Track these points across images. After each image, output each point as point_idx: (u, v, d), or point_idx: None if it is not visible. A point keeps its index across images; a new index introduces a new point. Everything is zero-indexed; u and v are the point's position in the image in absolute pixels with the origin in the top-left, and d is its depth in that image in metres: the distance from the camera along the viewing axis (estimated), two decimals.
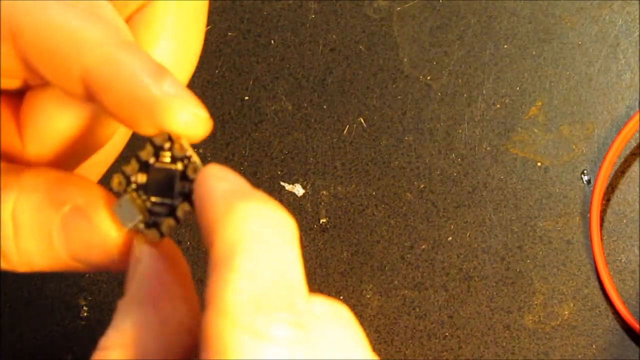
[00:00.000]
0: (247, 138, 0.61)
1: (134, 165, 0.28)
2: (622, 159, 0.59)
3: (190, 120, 0.27)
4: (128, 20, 0.30)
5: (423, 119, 0.61)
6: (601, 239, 0.58)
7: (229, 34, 0.63)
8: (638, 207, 0.58)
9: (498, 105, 0.61)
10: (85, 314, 0.60)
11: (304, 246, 0.60)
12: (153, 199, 0.28)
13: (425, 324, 0.58)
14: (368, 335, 0.62)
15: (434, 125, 0.61)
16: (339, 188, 0.61)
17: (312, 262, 0.60)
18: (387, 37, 0.62)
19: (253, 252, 0.25)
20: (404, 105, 0.61)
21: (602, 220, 0.58)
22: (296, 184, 0.61)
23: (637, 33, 0.61)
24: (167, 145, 0.27)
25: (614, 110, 0.60)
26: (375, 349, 0.58)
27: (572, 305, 0.58)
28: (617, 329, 0.57)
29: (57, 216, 0.27)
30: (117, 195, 0.27)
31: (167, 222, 0.28)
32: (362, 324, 0.60)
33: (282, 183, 0.61)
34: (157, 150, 0.28)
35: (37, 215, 0.27)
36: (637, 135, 0.59)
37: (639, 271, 0.58)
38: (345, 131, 0.61)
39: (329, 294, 0.59)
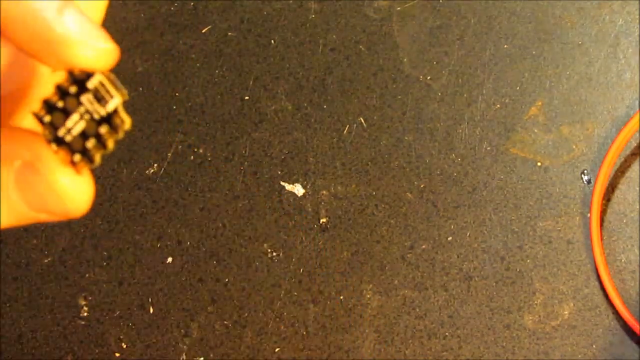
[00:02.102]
0: (247, 138, 0.61)
1: (42, 105, 0.28)
2: (622, 159, 0.59)
3: (95, 52, 0.27)
4: None
5: (423, 119, 0.61)
6: (601, 239, 0.58)
7: (229, 34, 0.63)
8: (638, 207, 0.58)
9: (498, 105, 0.61)
10: (85, 314, 0.60)
11: (304, 246, 0.60)
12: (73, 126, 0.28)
13: (425, 324, 0.58)
14: (368, 335, 0.63)
15: (434, 125, 0.61)
16: (339, 188, 0.61)
17: (312, 262, 0.60)
18: (387, 37, 0.62)
19: None
20: (404, 105, 0.61)
21: (602, 220, 0.58)
22: (296, 184, 0.61)
23: (637, 33, 0.61)
24: (70, 84, 0.28)
25: (614, 110, 0.60)
26: (375, 349, 0.58)
27: (572, 305, 0.58)
28: (617, 329, 0.57)
29: (10, 173, 0.27)
30: (39, 121, 0.28)
31: (96, 147, 0.28)
32: (362, 324, 0.60)
33: (282, 183, 0.61)
34: (64, 94, 0.28)
35: None
36: (637, 135, 0.59)
37: (639, 271, 0.58)
38: (345, 131, 0.61)
39: (329, 294, 0.59)
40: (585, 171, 0.59)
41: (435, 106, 0.61)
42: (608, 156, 0.58)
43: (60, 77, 0.28)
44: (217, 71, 0.62)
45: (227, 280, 0.60)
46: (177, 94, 0.63)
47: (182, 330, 0.60)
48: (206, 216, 0.61)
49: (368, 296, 0.59)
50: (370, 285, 0.59)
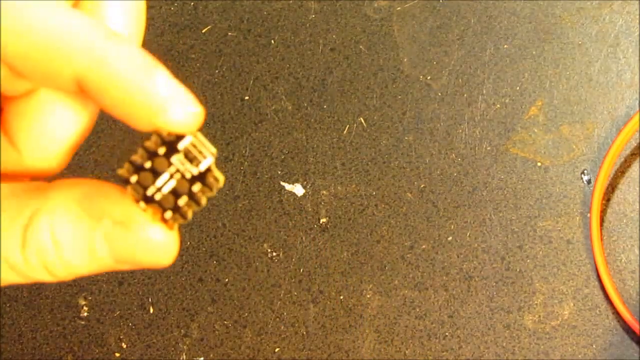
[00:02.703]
0: (247, 138, 0.61)
1: (127, 167, 0.29)
2: (622, 159, 0.59)
3: (185, 116, 0.27)
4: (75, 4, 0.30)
5: (423, 119, 0.61)
6: (601, 239, 0.58)
7: (229, 34, 0.63)
8: (638, 207, 0.58)
9: (498, 105, 0.61)
10: (85, 314, 0.60)
11: (304, 246, 0.60)
12: (163, 185, 0.29)
13: (425, 324, 0.58)
14: (368, 335, 0.63)
15: (434, 125, 0.61)
16: (339, 188, 0.61)
17: (312, 262, 0.60)
18: (387, 37, 0.62)
19: None
20: (404, 105, 0.61)
21: (602, 220, 0.58)
22: (296, 184, 0.61)
23: (637, 33, 0.61)
24: (159, 146, 0.28)
25: (614, 110, 0.60)
26: (375, 349, 0.58)
27: (572, 305, 0.58)
28: (617, 329, 0.57)
29: (98, 230, 0.28)
30: (123, 182, 0.29)
31: (188, 204, 0.29)
32: (362, 324, 0.60)
33: (282, 183, 0.61)
34: (152, 155, 0.28)
35: (77, 232, 0.28)
36: (637, 135, 0.59)
37: (639, 271, 0.58)
38: (345, 131, 0.61)
39: (329, 294, 0.59)
40: (585, 171, 0.59)
41: (435, 106, 0.61)
42: (608, 156, 0.58)
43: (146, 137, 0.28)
44: (217, 71, 0.62)
45: (227, 280, 0.60)
46: None
47: (182, 330, 0.60)
48: (206, 216, 0.61)
49: (368, 296, 0.59)
50: (370, 285, 0.59)
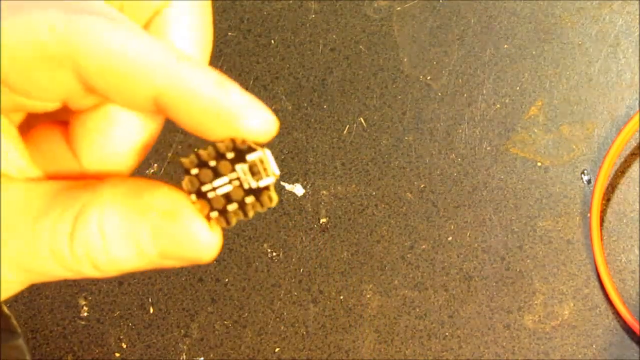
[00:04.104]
0: None
1: (192, 159, 0.30)
2: (622, 159, 0.59)
3: (261, 125, 0.29)
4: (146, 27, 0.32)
5: (423, 119, 0.61)
6: (601, 239, 0.58)
7: (229, 34, 0.63)
8: (638, 207, 0.58)
9: (498, 105, 0.61)
10: (85, 313, 0.60)
11: (304, 246, 0.60)
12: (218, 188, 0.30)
13: (425, 324, 0.58)
14: (368, 335, 0.63)
15: (434, 125, 0.61)
16: (339, 188, 0.61)
17: (312, 262, 0.60)
18: (387, 37, 0.62)
19: None
20: (404, 105, 0.61)
21: (602, 220, 0.58)
22: (296, 184, 0.61)
23: (637, 33, 0.61)
24: (229, 150, 0.29)
25: (614, 110, 0.60)
26: (375, 349, 0.58)
27: (572, 305, 0.58)
28: (617, 329, 0.57)
29: (145, 223, 0.29)
30: (184, 171, 0.30)
31: (235, 212, 0.30)
32: (362, 324, 0.60)
33: (282, 183, 0.61)
34: (219, 156, 0.30)
35: (124, 225, 0.28)
36: (637, 135, 0.59)
37: (639, 271, 0.58)
38: (345, 131, 0.61)
39: (329, 294, 0.59)
40: (585, 171, 0.59)
41: (435, 106, 0.61)
42: (608, 156, 0.58)
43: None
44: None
45: (227, 280, 0.60)
46: None
47: (182, 330, 0.60)
48: None
49: (368, 296, 0.59)
50: (370, 285, 0.59)
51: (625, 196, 0.59)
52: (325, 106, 0.62)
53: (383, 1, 0.63)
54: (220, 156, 0.29)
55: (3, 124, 0.29)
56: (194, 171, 0.29)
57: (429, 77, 0.61)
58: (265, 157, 0.29)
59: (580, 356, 0.57)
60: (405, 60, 0.62)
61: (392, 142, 0.61)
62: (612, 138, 0.59)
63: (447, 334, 0.58)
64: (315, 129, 0.61)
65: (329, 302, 0.59)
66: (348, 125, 0.61)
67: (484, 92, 0.61)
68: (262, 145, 0.29)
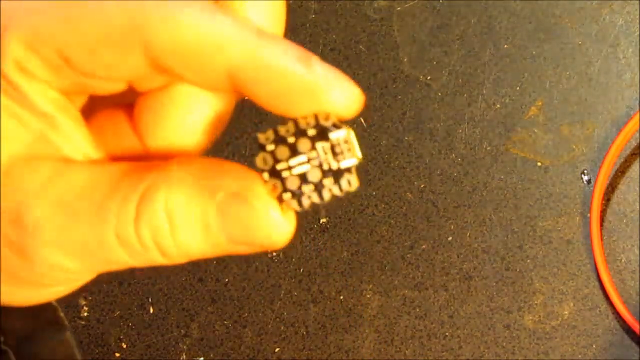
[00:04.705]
0: (247, 138, 0.61)
1: (269, 134, 0.28)
2: (622, 159, 0.59)
3: (348, 99, 0.27)
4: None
5: (423, 119, 0.61)
6: (601, 239, 0.58)
7: None
8: (638, 207, 0.58)
9: (498, 105, 0.61)
10: (85, 313, 0.60)
11: (304, 246, 0.60)
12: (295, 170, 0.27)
13: (425, 324, 0.58)
14: (368, 335, 0.63)
15: (434, 125, 0.61)
16: None
17: (312, 262, 0.60)
18: (387, 37, 0.62)
19: None
20: (404, 105, 0.61)
21: (602, 220, 0.58)
22: None
23: (637, 33, 0.61)
24: (311, 126, 0.27)
25: (614, 110, 0.60)
26: (375, 348, 0.58)
27: (572, 305, 0.58)
28: (617, 329, 0.57)
29: (212, 204, 0.27)
30: (259, 147, 0.27)
31: (310, 194, 0.28)
32: (362, 324, 0.60)
33: None
34: (299, 133, 0.27)
35: (191, 206, 0.27)
36: (637, 135, 0.59)
37: (639, 271, 0.58)
38: None
39: (329, 294, 0.59)
40: (585, 171, 0.59)
41: (435, 106, 0.61)
42: (608, 156, 0.58)
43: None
44: None
45: (227, 280, 0.60)
46: None
47: (182, 330, 0.60)
48: None
49: (368, 296, 0.59)
50: (370, 285, 0.59)
51: (625, 196, 0.59)
52: None
53: (383, 1, 0.63)
54: (300, 133, 0.27)
55: (65, 106, 0.28)
56: (270, 147, 0.27)
57: (429, 77, 0.61)
58: (350, 137, 0.27)
59: (580, 356, 0.57)
60: (405, 60, 0.62)
61: (392, 142, 0.61)
62: (612, 138, 0.59)
63: (447, 334, 0.58)
64: None
65: (329, 302, 0.59)
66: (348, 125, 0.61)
67: (484, 92, 0.61)
68: (347, 124, 0.27)
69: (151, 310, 0.60)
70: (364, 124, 0.61)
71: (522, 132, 0.60)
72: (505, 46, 0.61)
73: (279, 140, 0.27)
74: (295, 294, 0.59)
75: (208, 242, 0.28)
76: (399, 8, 0.63)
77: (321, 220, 0.60)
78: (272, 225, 0.27)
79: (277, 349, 0.59)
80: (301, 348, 0.59)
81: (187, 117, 0.29)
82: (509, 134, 0.60)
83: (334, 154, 0.27)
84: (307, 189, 0.27)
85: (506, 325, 0.58)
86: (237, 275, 0.60)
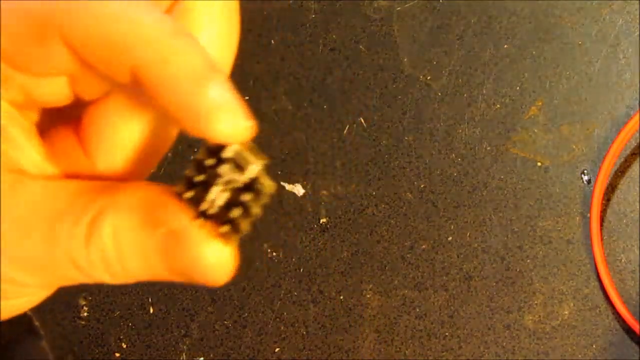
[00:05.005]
0: None
1: (181, 185, 0.28)
2: (622, 159, 0.59)
3: (230, 131, 0.27)
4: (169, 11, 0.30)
5: (423, 119, 0.61)
6: (601, 239, 0.58)
7: None
8: (638, 207, 0.58)
9: (498, 105, 0.61)
10: (85, 314, 0.60)
11: (304, 246, 0.60)
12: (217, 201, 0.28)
13: (425, 324, 0.58)
14: (368, 335, 0.63)
15: (434, 125, 0.61)
16: (339, 188, 0.61)
17: (312, 262, 0.60)
18: (387, 37, 0.62)
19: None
20: (404, 105, 0.61)
21: (602, 220, 0.58)
22: (296, 184, 0.61)
23: (637, 33, 0.61)
24: (209, 160, 0.27)
25: (614, 110, 0.60)
26: (375, 348, 0.58)
27: (572, 305, 0.58)
28: (617, 329, 0.57)
29: (153, 239, 0.27)
30: (179, 198, 0.28)
31: (241, 216, 0.28)
32: (362, 324, 0.60)
33: (282, 183, 0.61)
34: (202, 168, 0.28)
35: (135, 236, 0.27)
36: (637, 135, 0.59)
37: (639, 271, 0.58)
38: (345, 131, 0.61)
39: (329, 294, 0.59)
40: (585, 171, 0.59)
41: (435, 106, 0.61)
42: (608, 156, 0.58)
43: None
44: None
45: None
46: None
47: (182, 330, 0.60)
48: None
49: (368, 296, 0.59)
50: (370, 285, 0.59)
51: (625, 196, 0.59)
52: (325, 106, 0.62)
53: (383, 1, 0.63)
54: (202, 168, 0.27)
55: (16, 118, 0.28)
56: (189, 194, 0.27)
57: (429, 77, 0.61)
58: (243, 148, 0.27)
59: (580, 356, 0.57)
60: (405, 60, 0.62)
61: (392, 142, 0.61)
62: (612, 138, 0.59)
63: (447, 334, 0.58)
64: (315, 129, 0.61)
65: (329, 302, 0.59)
66: (348, 125, 0.61)
67: (484, 92, 0.61)
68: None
69: (151, 310, 0.60)
70: (364, 124, 0.61)
71: (522, 132, 0.60)
72: (505, 46, 0.61)
73: (192, 183, 0.27)
74: (295, 294, 0.59)
75: (150, 271, 0.28)
76: (399, 8, 0.63)
77: (321, 220, 0.60)
78: (209, 266, 0.27)
79: (277, 349, 0.59)
80: (301, 348, 0.59)
81: (117, 130, 0.29)
82: (509, 134, 0.60)
83: (238, 169, 0.27)
84: (236, 212, 0.27)
85: (506, 325, 0.58)
86: (237, 276, 0.60)
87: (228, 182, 0.27)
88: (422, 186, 0.60)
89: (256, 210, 0.28)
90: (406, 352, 0.58)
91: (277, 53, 0.63)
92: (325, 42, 0.63)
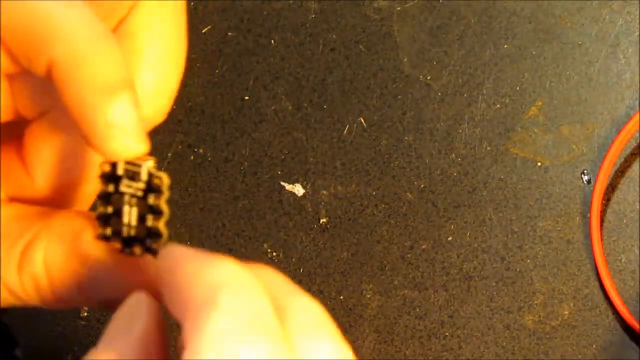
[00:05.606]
0: (247, 138, 0.61)
1: (97, 224, 0.28)
2: (622, 159, 0.59)
3: (121, 151, 0.27)
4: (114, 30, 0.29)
5: (423, 119, 0.61)
6: (601, 239, 0.58)
7: (229, 34, 0.63)
8: (638, 207, 0.58)
9: (498, 105, 0.61)
10: (85, 314, 0.60)
11: (304, 246, 0.60)
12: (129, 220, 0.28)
13: (425, 324, 0.58)
14: (368, 335, 0.63)
15: (434, 125, 0.61)
16: (339, 188, 0.61)
17: (312, 262, 0.60)
18: (387, 37, 0.62)
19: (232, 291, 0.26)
20: (404, 105, 0.61)
21: (602, 220, 0.58)
22: (296, 184, 0.61)
23: (637, 33, 0.61)
24: (109, 185, 0.28)
25: (614, 110, 0.60)
26: (375, 348, 0.58)
27: (572, 305, 0.58)
28: (617, 329, 0.57)
29: (84, 268, 0.27)
30: (103, 237, 0.28)
31: (155, 219, 0.28)
32: (362, 324, 0.60)
33: (282, 183, 0.61)
34: (106, 195, 0.28)
35: (66, 265, 0.27)
36: (637, 135, 0.59)
37: (639, 271, 0.58)
38: (345, 131, 0.61)
39: (329, 294, 0.59)
40: (585, 171, 0.59)
41: (435, 106, 0.61)
42: (608, 156, 0.58)
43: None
44: (217, 71, 0.62)
45: None
46: (177, 94, 0.63)
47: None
48: (206, 216, 0.61)
49: (368, 296, 0.59)
50: (370, 285, 0.59)
51: (625, 196, 0.59)
52: (325, 106, 0.62)
53: (383, 1, 0.63)
54: (107, 196, 0.28)
55: None
56: (108, 231, 0.28)
57: (429, 77, 0.61)
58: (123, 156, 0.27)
59: (580, 356, 0.57)
60: (405, 60, 0.62)
61: (392, 142, 0.61)
62: (612, 138, 0.59)
63: (447, 334, 0.58)
64: (315, 129, 0.61)
65: (329, 302, 0.59)
66: (348, 125, 0.61)
67: (484, 92, 0.61)
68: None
69: None
70: (364, 124, 0.61)
71: (522, 132, 0.60)
72: (505, 46, 0.61)
73: (105, 217, 0.28)
74: None
75: (82, 297, 0.28)
76: (399, 8, 0.63)
77: (321, 220, 0.60)
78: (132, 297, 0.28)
79: None
80: None
81: (50, 147, 0.29)
82: (509, 134, 0.60)
83: (133, 179, 0.28)
84: (150, 220, 0.28)
85: (506, 325, 0.58)
86: None
87: (133, 196, 0.28)
88: (422, 186, 0.60)
89: (164, 206, 0.28)
90: (406, 352, 0.58)
91: (277, 53, 0.63)
92: (325, 42, 0.63)
